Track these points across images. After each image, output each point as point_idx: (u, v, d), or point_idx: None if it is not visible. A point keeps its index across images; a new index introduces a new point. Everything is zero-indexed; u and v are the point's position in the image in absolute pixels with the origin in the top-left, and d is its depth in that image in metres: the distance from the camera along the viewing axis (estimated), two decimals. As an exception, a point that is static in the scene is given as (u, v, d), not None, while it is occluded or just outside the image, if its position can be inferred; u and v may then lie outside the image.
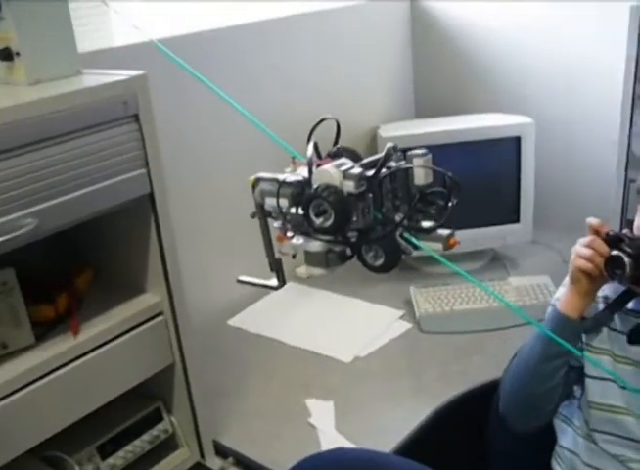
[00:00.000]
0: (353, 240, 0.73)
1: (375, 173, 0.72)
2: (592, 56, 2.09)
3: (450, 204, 0.75)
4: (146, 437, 1.44)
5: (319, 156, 0.76)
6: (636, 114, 1.71)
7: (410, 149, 0.78)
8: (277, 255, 0.86)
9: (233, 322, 1.99)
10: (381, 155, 0.76)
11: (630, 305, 1.23)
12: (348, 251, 0.76)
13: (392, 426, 1.56)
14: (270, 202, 0.78)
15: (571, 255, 1.24)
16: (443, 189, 0.74)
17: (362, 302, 2.02)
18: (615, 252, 1.15)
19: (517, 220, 2.10)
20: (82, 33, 1.35)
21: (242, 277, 1.01)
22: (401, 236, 0.73)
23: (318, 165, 0.75)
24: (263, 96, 1.96)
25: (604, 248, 1.17)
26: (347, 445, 1.50)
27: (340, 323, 1.95)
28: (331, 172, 0.70)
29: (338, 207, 0.68)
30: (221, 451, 1.53)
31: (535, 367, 1.28)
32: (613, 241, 1.17)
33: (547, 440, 1.43)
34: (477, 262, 2.18)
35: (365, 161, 0.75)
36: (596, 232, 1.21)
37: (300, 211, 0.73)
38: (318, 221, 0.71)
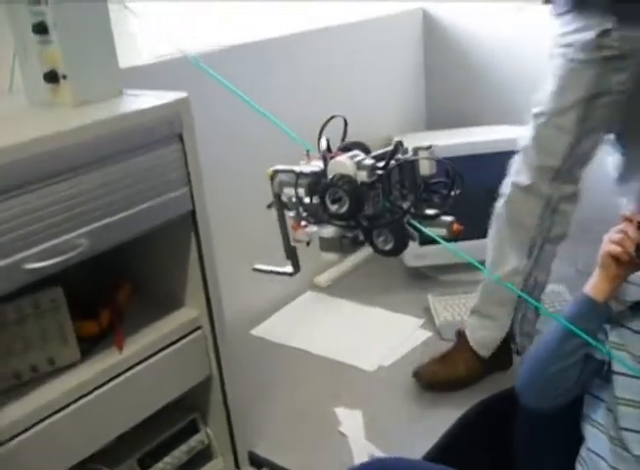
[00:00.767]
0: (365, 225, 0.79)
1: (385, 164, 0.77)
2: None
3: (453, 193, 0.80)
4: (183, 448, 1.47)
5: (329, 150, 0.81)
6: None
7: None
8: (292, 243, 0.90)
9: (256, 332, 2.02)
10: (390, 148, 0.82)
11: None
12: (360, 236, 0.81)
13: (420, 433, 1.59)
14: (288, 192, 0.83)
15: (603, 241, 1.27)
16: (446, 179, 0.80)
17: (382, 310, 2.06)
18: None
19: (531, 229, 2.13)
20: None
21: (257, 266, 1.04)
22: (408, 223, 0.79)
23: (331, 158, 0.81)
24: (282, 107, 1.98)
25: (635, 232, 1.22)
26: (377, 453, 1.54)
27: (361, 332, 1.99)
28: (346, 163, 0.76)
29: (352, 194, 0.74)
30: (256, 461, 1.56)
31: (556, 345, 1.32)
32: None
33: (572, 443, 1.47)
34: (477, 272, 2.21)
35: (375, 153, 0.81)
36: (629, 222, 1.25)
37: (316, 200, 0.78)
38: (334, 208, 0.76)
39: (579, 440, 1.44)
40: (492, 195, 2.07)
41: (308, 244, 0.84)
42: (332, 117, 0.86)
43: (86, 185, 1.13)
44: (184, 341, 1.38)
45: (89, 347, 1.30)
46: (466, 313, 1.97)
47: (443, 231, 0.81)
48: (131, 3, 1.35)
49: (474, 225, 2.14)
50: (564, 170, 1.56)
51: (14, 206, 1.04)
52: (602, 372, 1.35)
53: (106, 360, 1.27)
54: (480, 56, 2.39)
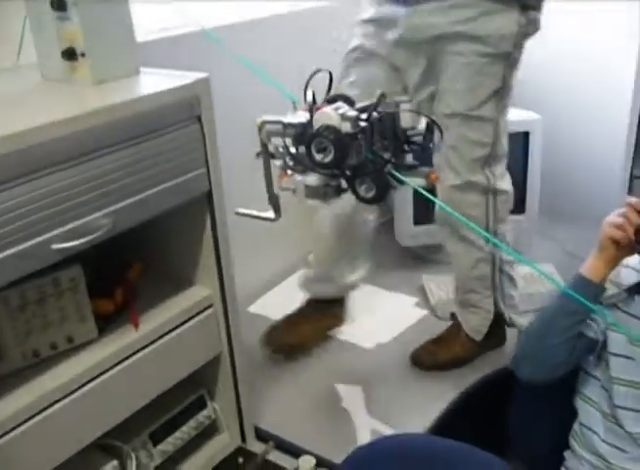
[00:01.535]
0: (348, 174, 0.83)
1: (367, 116, 0.80)
2: (600, 55, 2.17)
3: (431, 144, 0.85)
4: (192, 423, 1.49)
5: (315, 102, 0.85)
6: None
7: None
8: (276, 191, 0.95)
9: (254, 309, 2.04)
10: (373, 101, 0.85)
11: None
12: (343, 185, 0.85)
13: (419, 410, 1.64)
14: (275, 142, 0.86)
15: (603, 224, 1.31)
16: (425, 132, 0.85)
17: (377, 289, 2.09)
18: None
19: (522, 212, 2.19)
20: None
21: (240, 210, 1.08)
22: (389, 173, 0.83)
23: (317, 110, 0.85)
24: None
25: (636, 217, 1.26)
26: (381, 427, 1.58)
27: (357, 310, 2.01)
28: (331, 114, 0.79)
29: (337, 144, 0.78)
30: (262, 436, 1.59)
31: (552, 320, 1.37)
32: None
33: (567, 418, 1.52)
34: (482, 251, 2.26)
35: (359, 105, 0.84)
36: (631, 207, 1.29)
37: (302, 150, 0.81)
38: (319, 157, 0.79)
39: (574, 415, 1.50)
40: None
41: (294, 191, 0.87)
42: (317, 71, 0.89)
43: (109, 166, 1.13)
44: (197, 319, 1.39)
45: (105, 324, 1.31)
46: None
47: (422, 181, 0.84)
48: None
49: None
50: (492, 154, 1.60)
51: (40, 186, 1.05)
52: (595, 350, 1.40)
53: (123, 338, 1.29)
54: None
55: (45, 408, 1.15)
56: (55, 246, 1.07)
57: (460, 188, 1.60)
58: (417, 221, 2.18)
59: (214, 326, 1.43)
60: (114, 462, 1.34)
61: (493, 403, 1.67)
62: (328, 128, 0.79)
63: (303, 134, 0.82)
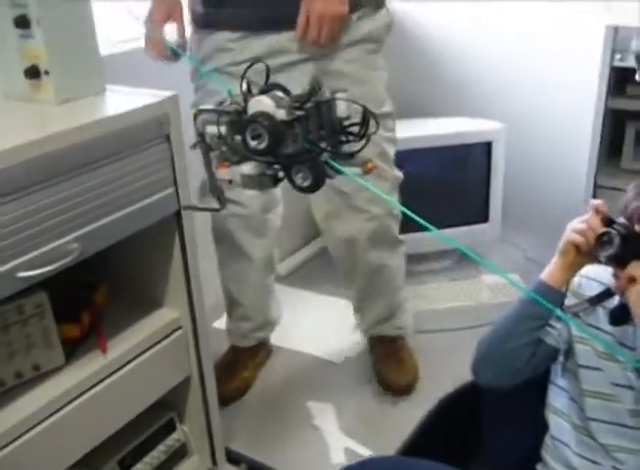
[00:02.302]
0: (284, 163, 0.83)
1: (302, 103, 0.82)
2: (563, 68, 2.21)
3: (366, 133, 0.85)
4: (161, 447, 1.46)
5: (250, 92, 0.85)
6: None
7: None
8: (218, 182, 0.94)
9: (218, 324, 2.01)
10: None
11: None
12: (280, 174, 0.85)
13: (392, 426, 1.64)
14: (210, 130, 0.86)
15: (566, 229, 1.33)
16: (361, 122, 0.86)
17: (340, 300, 2.07)
18: (607, 229, 1.25)
19: (486, 220, 2.21)
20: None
21: (185, 204, 1.13)
22: (325, 162, 0.84)
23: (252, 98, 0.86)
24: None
25: (598, 225, 1.27)
26: (353, 445, 1.57)
27: (323, 323, 2.01)
28: (265, 101, 0.80)
29: (271, 130, 0.78)
30: (233, 458, 1.56)
31: (511, 324, 1.38)
32: (607, 222, 1.27)
33: (537, 431, 1.54)
34: (446, 261, 2.28)
35: (295, 94, 0.84)
36: (595, 213, 1.30)
37: (238, 137, 0.82)
38: (254, 144, 0.80)
39: (545, 427, 1.51)
40: (451, 184, 2.15)
41: (230, 182, 0.88)
42: (254, 63, 0.90)
43: (75, 189, 1.09)
44: (166, 341, 1.36)
45: (72, 350, 1.27)
46: (428, 304, 2.03)
47: (359, 170, 0.85)
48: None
49: (433, 213, 2.20)
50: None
51: (3, 213, 1.00)
52: (556, 359, 1.41)
53: (90, 364, 1.25)
54: (441, 47, 2.43)
55: (12, 441, 1.11)
56: (21, 274, 1.03)
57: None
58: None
59: (184, 348, 1.40)
60: (84, 492, 1.30)
61: (465, 418, 1.68)
62: (262, 115, 0.79)
63: (238, 121, 0.82)
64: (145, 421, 1.45)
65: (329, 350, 1.89)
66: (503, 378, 1.43)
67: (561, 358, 1.41)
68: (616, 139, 2.07)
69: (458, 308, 2.02)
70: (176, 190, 1.27)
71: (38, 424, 1.15)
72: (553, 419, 1.49)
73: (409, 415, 1.66)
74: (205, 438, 1.52)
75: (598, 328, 1.35)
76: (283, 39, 1.47)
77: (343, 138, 0.86)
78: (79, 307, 1.33)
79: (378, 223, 1.66)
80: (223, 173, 0.88)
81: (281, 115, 0.80)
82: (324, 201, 1.66)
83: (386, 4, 1.57)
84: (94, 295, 1.38)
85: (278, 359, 1.87)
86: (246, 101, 0.82)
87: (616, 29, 1.79)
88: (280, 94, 0.84)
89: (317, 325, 2.01)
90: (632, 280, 1.19)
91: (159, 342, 1.35)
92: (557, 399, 1.47)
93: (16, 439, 1.11)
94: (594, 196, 1.94)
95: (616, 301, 1.31)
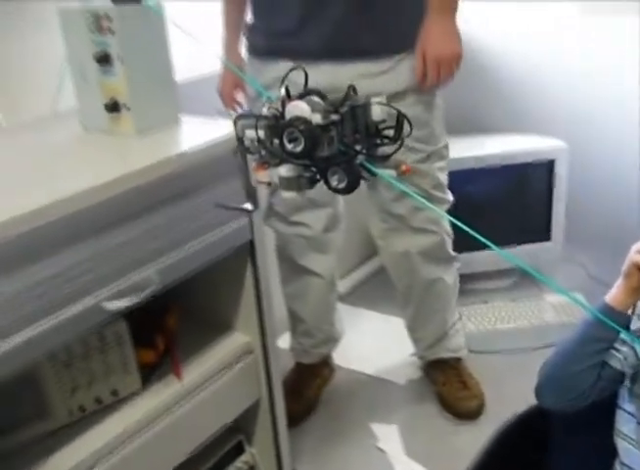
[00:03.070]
0: (321, 165, 0.86)
1: (338, 108, 0.84)
2: (629, 87, 2.17)
3: (401, 135, 0.87)
4: (230, 469, 1.48)
5: (289, 97, 0.87)
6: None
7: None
8: (253, 183, 1.02)
9: (281, 343, 2.02)
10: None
11: None
12: (317, 176, 0.88)
13: (456, 449, 1.63)
14: (249, 134, 0.89)
15: (630, 251, 1.30)
16: (395, 125, 0.88)
17: (399, 319, 2.06)
18: None
19: (548, 239, 2.18)
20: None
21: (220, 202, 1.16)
22: (361, 165, 0.86)
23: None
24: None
25: None
26: (418, 468, 1.57)
27: (387, 343, 2.01)
28: (301, 106, 0.83)
29: (307, 134, 0.81)
30: (300, 480, 1.58)
31: (575, 347, 1.36)
32: None
33: (606, 457, 1.51)
34: (507, 280, 2.26)
35: (331, 99, 0.87)
36: None
37: (276, 141, 0.84)
38: (290, 147, 0.83)
39: (614, 453, 1.49)
40: (513, 203, 2.13)
41: (269, 184, 0.90)
42: (294, 68, 0.92)
43: (156, 223, 1.12)
44: (238, 366, 1.38)
45: (147, 375, 1.30)
46: (489, 324, 2.02)
47: (393, 172, 0.87)
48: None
49: (495, 232, 2.18)
50: None
51: (87, 249, 1.03)
52: (623, 383, 1.39)
53: (166, 390, 1.27)
54: (502, 63, 2.42)
55: (92, 467, 1.14)
56: (106, 305, 1.06)
57: None
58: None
59: (255, 372, 1.42)
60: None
61: (533, 442, 1.66)
62: (298, 119, 0.82)
63: (276, 126, 0.85)
64: (214, 444, 1.46)
65: (390, 369, 1.89)
66: (568, 401, 1.41)
67: (627, 383, 1.39)
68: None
69: (520, 329, 2.00)
70: (250, 220, 1.29)
71: (117, 449, 1.17)
72: (621, 445, 1.46)
73: (473, 438, 1.64)
74: (273, 460, 1.53)
75: None
76: (343, 73, 1.44)
77: (378, 141, 0.88)
78: (153, 331, 1.36)
79: (432, 240, 1.67)
80: (262, 176, 0.91)
81: (316, 119, 0.83)
82: (380, 222, 1.68)
83: None
84: (166, 318, 1.41)
85: (340, 379, 1.88)
86: (283, 105, 0.85)
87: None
88: (316, 99, 0.86)
89: (378, 344, 2.01)
90: None
91: (231, 366, 1.37)
92: (625, 424, 1.45)
93: (96, 464, 1.14)
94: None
95: None
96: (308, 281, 1.74)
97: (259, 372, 1.43)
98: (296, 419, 1.73)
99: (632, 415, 1.42)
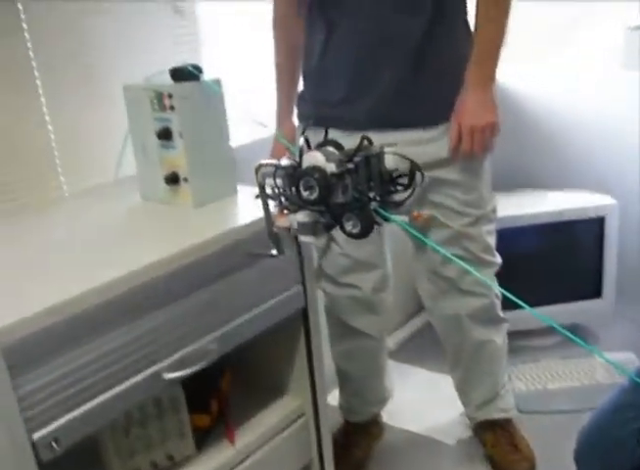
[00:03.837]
0: (336, 211, 0.91)
1: (351, 157, 0.89)
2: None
3: (413, 183, 0.92)
4: (281, 531, 1.48)
5: (309, 147, 0.93)
6: None
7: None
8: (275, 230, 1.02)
9: (329, 400, 2.03)
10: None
11: None
12: (333, 222, 0.93)
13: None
14: (269, 182, 0.95)
15: None
16: (407, 173, 0.93)
17: (448, 377, 2.06)
18: None
19: (599, 295, 2.16)
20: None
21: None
22: (375, 210, 0.91)
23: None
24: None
25: None
26: None
27: (436, 401, 2.00)
28: (316, 156, 0.89)
29: (321, 182, 0.87)
30: None
31: (612, 414, 1.33)
32: None
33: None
34: (557, 337, 2.24)
35: (347, 149, 0.92)
36: None
37: (293, 189, 0.90)
38: (306, 194, 0.89)
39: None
40: (563, 259, 2.12)
41: (289, 230, 0.95)
42: (311, 122, 1.01)
43: (214, 294, 1.16)
44: (290, 429, 1.40)
45: (201, 438, 1.32)
46: (539, 383, 1.99)
47: (406, 218, 0.91)
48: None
49: (545, 289, 2.17)
50: None
51: (152, 320, 1.07)
52: None
53: (220, 455, 1.29)
54: (547, 117, 2.43)
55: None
56: (167, 375, 1.10)
57: None
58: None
59: (306, 435, 1.44)
60: None
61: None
62: (314, 168, 0.88)
63: (293, 174, 0.90)
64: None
65: (440, 429, 1.88)
66: (608, 468, 1.39)
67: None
68: None
69: (571, 389, 1.97)
70: (304, 287, 1.32)
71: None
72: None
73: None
74: (324, 522, 1.53)
75: None
76: (390, 140, 1.48)
77: (392, 188, 0.92)
78: (208, 395, 1.38)
79: (482, 302, 1.68)
80: (282, 222, 0.96)
81: (331, 168, 0.88)
82: (429, 283, 1.69)
83: None
84: (221, 382, 1.43)
85: (389, 438, 1.88)
86: (301, 155, 0.91)
87: None
88: (331, 149, 0.92)
89: (426, 402, 2.01)
90: None
91: (283, 430, 1.39)
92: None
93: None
94: None
95: None
96: (359, 342, 1.75)
97: (310, 434, 1.45)
98: None
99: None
